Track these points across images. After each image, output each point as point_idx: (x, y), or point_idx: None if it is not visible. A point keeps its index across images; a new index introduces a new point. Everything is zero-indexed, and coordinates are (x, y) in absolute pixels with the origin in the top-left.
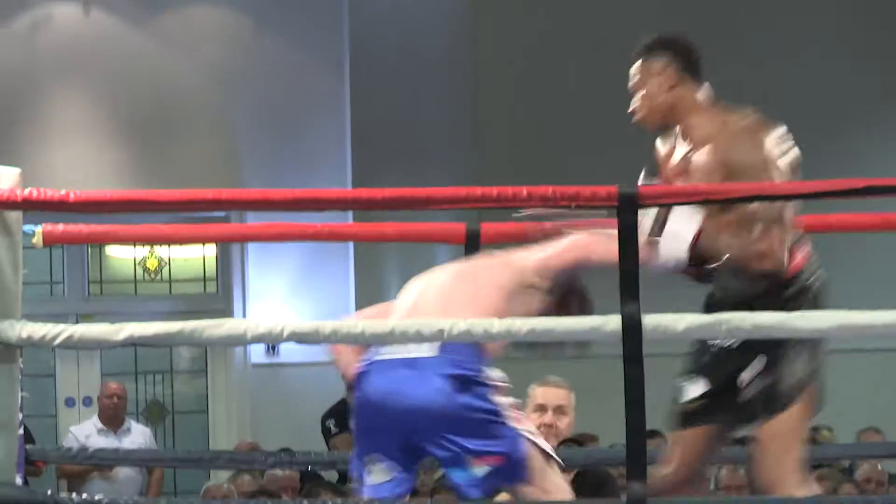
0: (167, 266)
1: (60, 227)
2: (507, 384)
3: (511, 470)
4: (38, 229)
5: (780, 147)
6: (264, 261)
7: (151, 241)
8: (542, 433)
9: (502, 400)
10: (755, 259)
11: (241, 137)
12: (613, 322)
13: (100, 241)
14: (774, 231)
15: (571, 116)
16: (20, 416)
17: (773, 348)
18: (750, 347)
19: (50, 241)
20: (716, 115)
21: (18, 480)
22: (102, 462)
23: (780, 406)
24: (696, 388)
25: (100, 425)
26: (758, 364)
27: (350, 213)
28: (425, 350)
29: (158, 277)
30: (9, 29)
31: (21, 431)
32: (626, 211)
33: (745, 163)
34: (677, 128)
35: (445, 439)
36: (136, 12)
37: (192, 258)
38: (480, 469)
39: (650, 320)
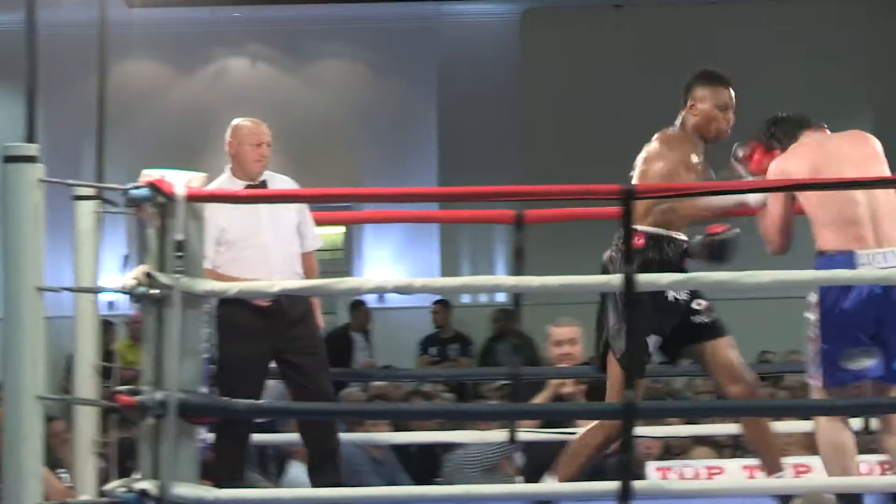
0: None
1: None
2: None
3: None
4: None
5: None
6: (377, 237)
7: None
8: (563, 360)
9: None
10: None
11: (360, 150)
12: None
13: None
14: None
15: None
16: (206, 345)
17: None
18: None
19: None
20: None
21: (204, 390)
22: None
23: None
24: None
25: None
26: None
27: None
28: None
29: None
30: (197, 77)
31: (206, 356)
32: (626, 202)
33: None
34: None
35: None
36: (287, 63)
37: (325, 234)
38: None
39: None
